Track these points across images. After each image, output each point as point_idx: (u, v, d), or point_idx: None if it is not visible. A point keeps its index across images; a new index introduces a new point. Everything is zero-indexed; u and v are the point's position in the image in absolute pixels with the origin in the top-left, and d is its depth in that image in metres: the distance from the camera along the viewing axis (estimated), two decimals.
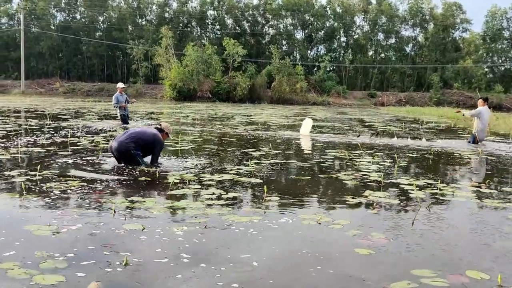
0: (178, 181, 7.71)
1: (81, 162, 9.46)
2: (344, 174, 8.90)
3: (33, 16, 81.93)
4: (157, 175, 8.20)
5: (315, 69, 79.67)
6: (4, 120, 19.87)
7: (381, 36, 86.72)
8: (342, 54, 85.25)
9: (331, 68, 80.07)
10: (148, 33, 79.52)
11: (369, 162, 10.71)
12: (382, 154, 12.46)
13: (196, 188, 7.20)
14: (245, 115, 31.16)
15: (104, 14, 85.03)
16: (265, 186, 6.78)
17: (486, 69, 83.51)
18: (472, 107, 60.27)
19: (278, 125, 22.82)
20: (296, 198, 6.96)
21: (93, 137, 14.43)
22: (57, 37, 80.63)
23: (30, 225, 5.06)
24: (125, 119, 19.67)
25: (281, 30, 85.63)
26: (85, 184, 7.31)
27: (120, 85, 20.05)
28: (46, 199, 6.31)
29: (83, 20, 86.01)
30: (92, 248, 4.46)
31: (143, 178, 7.89)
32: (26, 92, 66.98)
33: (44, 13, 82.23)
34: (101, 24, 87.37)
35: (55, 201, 6.19)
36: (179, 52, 67.13)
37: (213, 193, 6.88)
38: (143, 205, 6.07)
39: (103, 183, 7.45)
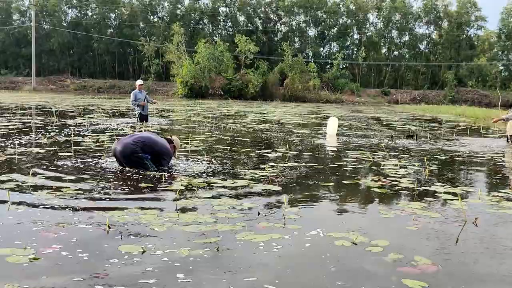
0: (185, 188, 6.86)
1: (81, 165, 8.63)
2: (371, 180, 8.00)
3: (44, 13, 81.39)
4: (162, 180, 7.34)
5: (328, 66, 78.81)
6: (9, 118, 19.09)
7: (394, 33, 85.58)
8: (355, 52, 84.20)
9: (344, 66, 79.11)
10: (160, 30, 79.05)
11: (396, 165, 9.79)
12: (408, 156, 11.55)
13: (205, 197, 6.34)
14: (258, 113, 30.32)
15: (116, 11, 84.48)
16: (285, 198, 5.88)
17: (501, 67, 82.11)
18: (487, 105, 59.34)
19: (293, 124, 21.90)
20: (322, 210, 6.10)
21: (98, 136, 13.62)
22: (69, 34, 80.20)
23: (2, 248, 4.19)
24: (142, 118, 18.70)
25: (294, 27, 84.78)
26: (81, 192, 6.45)
27: (139, 82, 19.21)
28: (31, 211, 5.44)
29: (94, 17, 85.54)
30: (79, 280, 3.59)
31: (145, 185, 7.02)
32: (37, 89, 66.53)
33: (55, 10, 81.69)
34: (113, 21, 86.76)
35: (41, 215, 5.31)
36: (190, 49, 66.42)
37: (225, 204, 6.02)
38: (144, 219, 5.20)
39: (101, 191, 6.59)
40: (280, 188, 7.11)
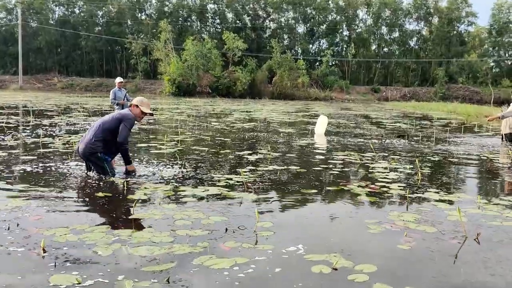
0: (147, 197, 6.06)
1: (41, 171, 7.82)
2: (358, 186, 7.22)
3: (31, 11, 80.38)
4: (124, 188, 6.54)
5: (317, 63, 78.05)
6: None
7: (384, 29, 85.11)
8: (344, 49, 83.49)
9: (334, 63, 78.40)
10: (148, 28, 78.16)
11: (385, 168, 9.01)
12: (399, 157, 10.77)
13: (168, 209, 5.54)
14: (244, 111, 29.52)
15: (103, 8, 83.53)
16: (256, 211, 5.08)
17: (492, 64, 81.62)
18: (478, 102, 58.84)
19: (279, 123, 21.10)
20: (300, 224, 5.28)
21: (70, 137, 12.80)
22: (56, 31, 79.22)
23: None
24: None
25: (283, 24, 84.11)
26: (28, 204, 5.64)
27: (119, 79, 18.30)
28: None
29: (82, 14, 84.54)
30: None
31: (102, 194, 6.21)
32: (24, 88, 65.60)
33: (42, 8, 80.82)
34: (100, 19, 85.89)
35: None
36: (178, 47, 65.60)
37: (190, 217, 5.23)
38: (89, 239, 4.40)
39: (50, 202, 5.77)
40: (256, 197, 6.34)
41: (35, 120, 17.76)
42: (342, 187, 7.18)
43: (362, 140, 14.47)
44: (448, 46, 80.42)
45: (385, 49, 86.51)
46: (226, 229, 4.86)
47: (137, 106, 7.71)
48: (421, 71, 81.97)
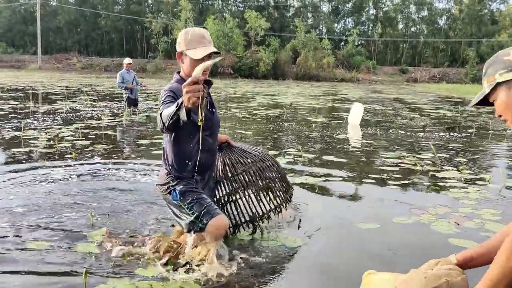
0: (98, 246, 3.88)
1: (2, 181, 5.77)
2: (435, 215, 4.98)
3: None
4: (90, 238, 4.40)
5: (343, 43, 75.86)
6: None
7: (412, 8, 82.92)
8: (371, 28, 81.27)
9: (360, 43, 76.09)
10: (168, 7, 76.65)
11: (459, 180, 6.72)
12: (465, 160, 8.41)
13: (129, 274, 3.37)
14: (268, 95, 27.26)
15: None
16: None
17: None
18: None
19: (307, 109, 18.79)
20: None
21: (61, 129, 10.74)
22: (75, 11, 78.40)
23: None
24: (130, 102, 15.96)
25: (307, 2, 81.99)
26: None
27: (127, 60, 16.32)
28: None
29: None
30: None
31: (32, 245, 3.99)
32: (43, 68, 64.45)
33: None
34: None
35: None
36: (199, 26, 63.67)
37: None
38: None
39: None
40: (279, 246, 4.12)
41: (34, 106, 15.81)
42: (416, 216, 4.92)
43: (409, 133, 12.12)
44: (478, 25, 77.77)
45: (413, 29, 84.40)
46: None
47: (181, 53, 3.76)
48: (451, 51, 79.49)
